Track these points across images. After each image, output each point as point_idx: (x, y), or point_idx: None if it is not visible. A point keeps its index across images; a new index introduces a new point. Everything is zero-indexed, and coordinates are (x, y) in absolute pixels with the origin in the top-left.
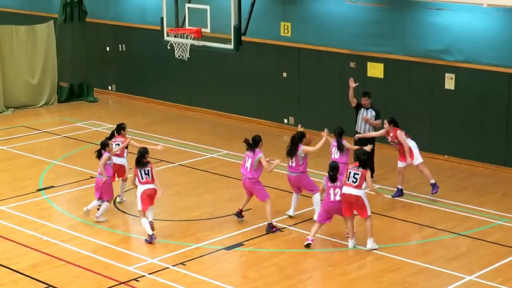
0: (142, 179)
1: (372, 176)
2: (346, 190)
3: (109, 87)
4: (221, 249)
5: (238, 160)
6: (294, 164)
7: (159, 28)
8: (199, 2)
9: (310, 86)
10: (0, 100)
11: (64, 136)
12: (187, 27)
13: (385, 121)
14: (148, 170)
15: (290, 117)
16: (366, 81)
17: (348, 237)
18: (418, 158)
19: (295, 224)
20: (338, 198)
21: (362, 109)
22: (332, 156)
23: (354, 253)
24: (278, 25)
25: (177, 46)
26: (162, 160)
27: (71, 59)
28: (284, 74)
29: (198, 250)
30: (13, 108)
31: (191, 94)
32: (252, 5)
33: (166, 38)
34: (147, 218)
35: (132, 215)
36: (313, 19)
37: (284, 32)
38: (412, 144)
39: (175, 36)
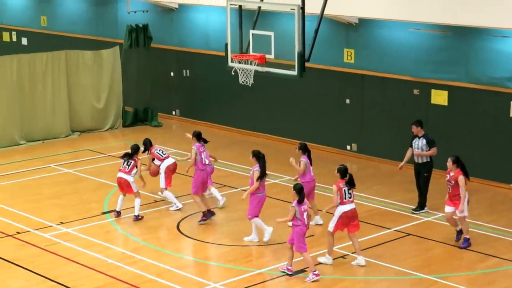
0: (122, 167)
1: (425, 202)
2: (349, 206)
3: (173, 112)
4: (283, 275)
5: None
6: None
7: (223, 54)
8: (263, 29)
9: (373, 112)
10: (67, 124)
11: None
12: (251, 53)
13: (449, 159)
14: (131, 162)
15: (352, 144)
16: (430, 108)
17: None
18: (464, 211)
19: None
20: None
21: (415, 138)
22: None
23: (417, 281)
24: (342, 51)
25: (241, 72)
26: (225, 185)
27: (136, 84)
28: (347, 101)
29: (261, 276)
30: (79, 132)
31: (255, 120)
32: (316, 31)
33: (230, 64)
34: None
35: (196, 239)
36: (376, 46)
37: (347, 59)
38: (466, 196)
39: (239, 62)
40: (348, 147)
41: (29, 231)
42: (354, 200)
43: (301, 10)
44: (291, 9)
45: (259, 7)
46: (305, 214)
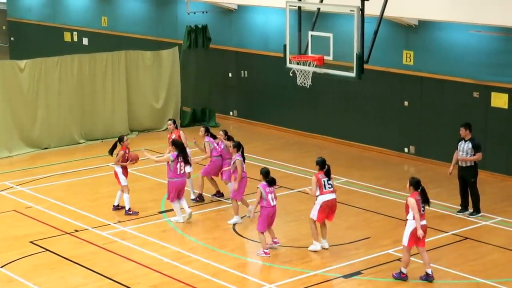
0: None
1: (479, 205)
2: (329, 196)
3: (231, 113)
4: (339, 277)
5: (358, 189)
6: None
7: (281, 55)
8: (322, 30)
9: (432, 115)
10: (126, 123)
11: None
12: (309, 54)
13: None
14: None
15: (410, 146)
16: (490, 111)
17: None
18: (405, 241)
19: (413, 255)
20: (275, 202)
21: (462, 141)
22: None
23: (475, 286)
24: (401, 53)
25: (299, 73)
26: (281, 186)
27: (194, 85)
28: (406, 103)
29: (316, 277)
30: (137, 132)
31: (312, 121)
32: (375, 33)
33: (288, 65)
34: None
35: (252, 240)
36: (436, 48)
37: (406, 61)
38: (412, 223)
39: (297, 63)
40: (406, 150)
41: (87, 229)
42: (336, 191)
43: (360, 12)
44: (351, 11)
45: (318, 9)
46: (270, 196)
